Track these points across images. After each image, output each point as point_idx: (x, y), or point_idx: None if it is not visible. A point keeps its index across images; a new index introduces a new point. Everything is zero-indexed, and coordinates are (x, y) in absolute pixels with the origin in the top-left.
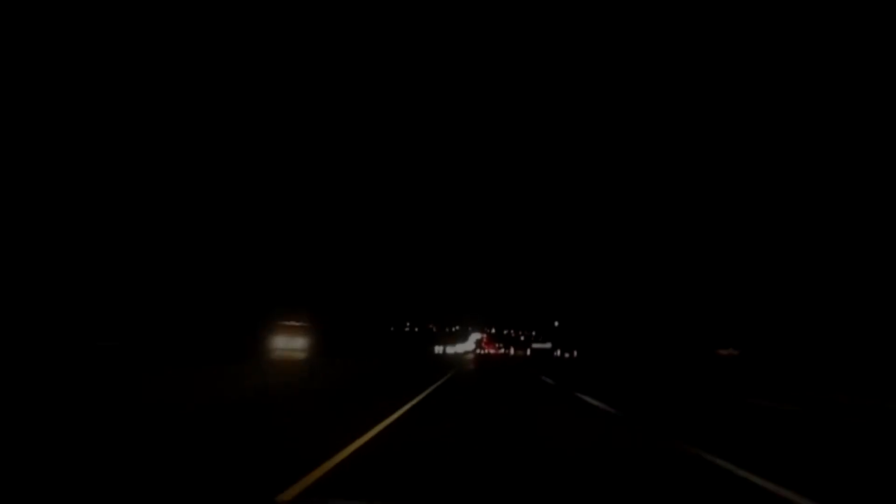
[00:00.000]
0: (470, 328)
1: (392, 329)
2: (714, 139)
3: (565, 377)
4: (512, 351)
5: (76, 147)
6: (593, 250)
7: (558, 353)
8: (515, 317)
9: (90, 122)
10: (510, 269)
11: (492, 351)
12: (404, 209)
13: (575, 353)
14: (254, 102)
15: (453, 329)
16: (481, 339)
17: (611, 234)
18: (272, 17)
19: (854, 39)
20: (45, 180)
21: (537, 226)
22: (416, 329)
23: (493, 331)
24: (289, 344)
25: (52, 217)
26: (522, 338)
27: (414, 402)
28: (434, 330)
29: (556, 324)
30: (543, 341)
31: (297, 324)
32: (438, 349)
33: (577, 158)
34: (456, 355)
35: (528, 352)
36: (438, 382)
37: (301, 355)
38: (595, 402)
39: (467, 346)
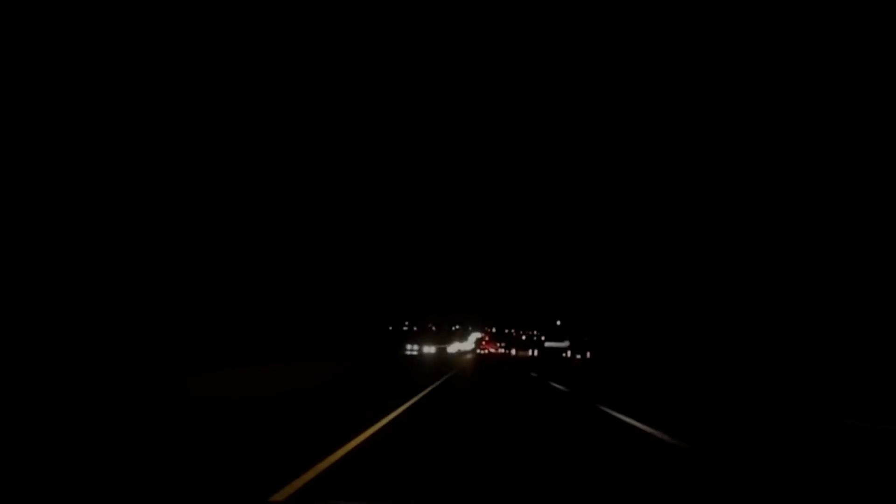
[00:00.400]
0: (470, 327)
1: (390, 328)
2: (728, 122)
3: (582, 384)
4: (513, 351)
5: (76, 147)
6: (603, 240)
7: (568, 354)
8: (517, 316)
9: (90, 121)
10: (512, 267)
11: (492, 350)
12: (403, 208)
13: (588, 353)
14: (253, 102)
15: (454, 328)
16: (482, 338)
17: (621, 224)
18: (272, 17)
19: (854, 39)
20: (46, 183)
21: (538, 223)
22: (415, 328)
23: (494, 330)
24: None
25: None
26: (524, 337)
27: None
28: (433, 329)
29: (559, 322)
30: (560, 339)
31: None
32: (412, 349)
33: (581, 149)
34: (441, 357)
35: (532, 352)
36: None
37: None
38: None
39: (466, 345)
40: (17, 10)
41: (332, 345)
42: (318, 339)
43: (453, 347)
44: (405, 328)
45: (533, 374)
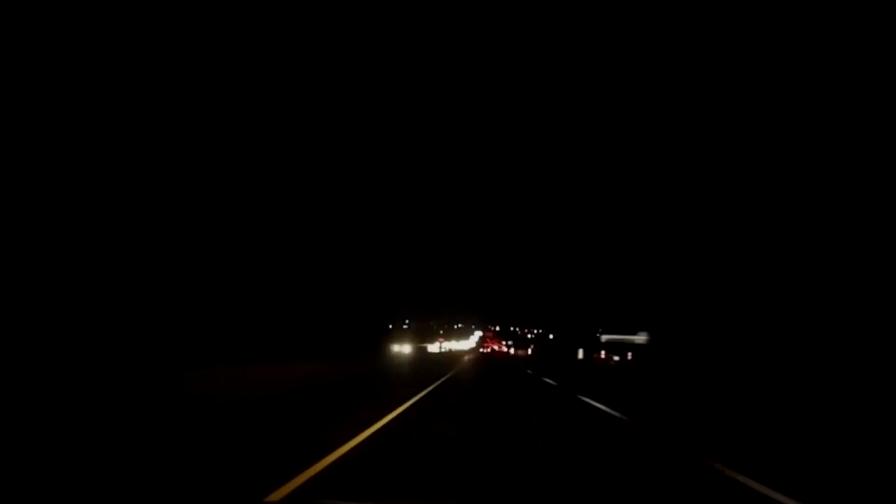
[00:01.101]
0: (473, 325)
1: (390, 326)
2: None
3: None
4: (512, 350)
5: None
6: (610, 232)
7: (602, 354)
8: (520, 313)
9: (89, 120)
10: (515, 265)
11: (496, 348)
12: (406, 207)
13: (629, 355)
14: (252, 101)
15: (457, 326)
16: (484, 336)
17: (629, 216)
18: (272, 17)
19: (854, 39)
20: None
21: (542, 222)
22: (415, 325)
23: (499, 328)
24: None
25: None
26: (530, 335)
27: None
28: (434, 326)
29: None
30: (636, 332)
31: None
32: None
33: (588, 145)
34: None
35: (528, 350)
36: None
37: None
38: None
39: (466, 344)
40: (17, 10)
41: (333, 343)
42: (318, 337)
43: (437, 346)
44: (405, 326)
45: (551, 382)
